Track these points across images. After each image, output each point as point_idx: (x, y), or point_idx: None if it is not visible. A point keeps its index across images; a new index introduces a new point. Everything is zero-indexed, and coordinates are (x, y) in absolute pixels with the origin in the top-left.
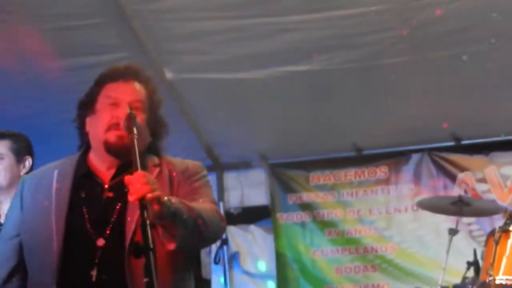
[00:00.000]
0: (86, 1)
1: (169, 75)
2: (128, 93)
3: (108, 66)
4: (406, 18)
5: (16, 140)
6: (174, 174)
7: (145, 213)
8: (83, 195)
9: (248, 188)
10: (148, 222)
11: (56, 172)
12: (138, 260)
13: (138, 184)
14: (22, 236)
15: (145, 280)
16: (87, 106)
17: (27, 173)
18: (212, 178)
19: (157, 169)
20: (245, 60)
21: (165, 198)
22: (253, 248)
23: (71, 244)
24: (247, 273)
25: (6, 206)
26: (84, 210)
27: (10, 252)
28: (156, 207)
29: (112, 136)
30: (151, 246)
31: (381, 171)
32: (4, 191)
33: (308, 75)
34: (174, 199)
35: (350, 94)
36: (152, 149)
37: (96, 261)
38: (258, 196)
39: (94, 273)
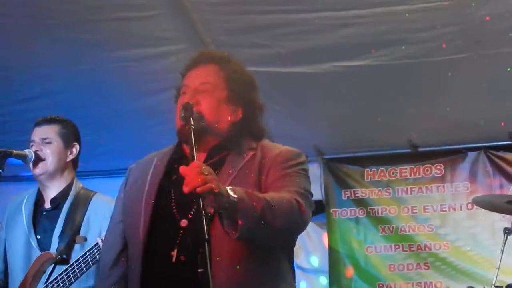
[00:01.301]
0: None
1: None
2: (195, 78)
3: (167, 58)
4: (466, 14)
5: (65, 126)
6: (266, 159)
7: (201, 204)
8: (174, 178)
9: None
10: (204, 212)
11: (155, 159)
12: (215, 244)
13: (191, 175)
14: (123, 220)
15: (200, 270)
16: (176, 96)
17: (73, 160)
18: None
19: (251, 153)
20: (303, 54)
21: (222, 188)
22: (306, 243)
23: (157, 225)
24: (299, 267)
25: (52, 192)
26: (172, 192)
27: (117, 237)
28: (210, 198)
29: (178, 125)
30: (206, 236)
31: (437, 169)
32: (51, 176)
33: (365, 70)
34: (236, 189)
35: (407, 90)
36: (251, 132)
37: (178, 241)
38: (312, 191)
39: (174, 253)
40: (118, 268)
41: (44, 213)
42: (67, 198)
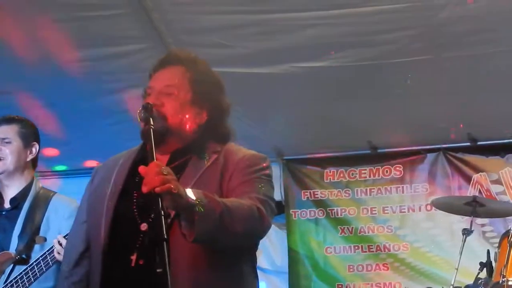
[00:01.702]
0: None
1: None
2: (160, 80)
3: (128, 58)
4: (425, 17)
5: (24, 126)
6: (229, 164)
7: (160, 204)
8: (137, 180)
9: None
10: (163, 212)
11: (121, 159)
12: (178, 249)
13: (150, 174)
14: (86, 221)
15: (158, 271)
16: (143, 97)
17: (33, 159)
18: None
19: (214, 156)
20: (263, 55)
21: (181, 189)
22: (266, 244)
23: (118, 228)
24: (259, 268)
25: (11, 191)
26: (135, 194)
27: (80, 237)
28: (168, 198)
29: (141, 125)
30: (165, 236)
31: (396, 170)
32: (10, 175)
33: (325, 71)
34: (196, 191)
35: (367, 92)
36: (216, 135)
37: (137, 245)
38: None
39: (133, 257)
40: (80, 268)
41: (3, 213)
42: (26, 198)
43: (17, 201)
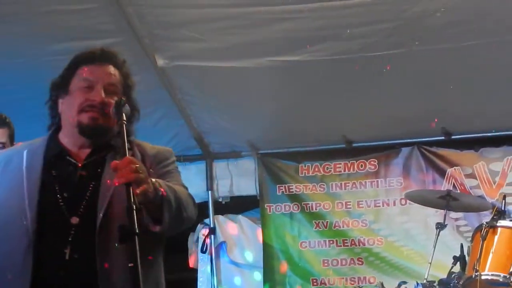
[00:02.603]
0: None
1: (160, 62)
2: (103, 76)
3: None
4: (401, 10)
5: (10, 127)
6: (146, 157)
7: (132, 198)
8: (54, 174)
9: (237, 178)
10: (134, 206)
11: (25, 152)
12: (109, 241)
13: (126, 169)
14: None
15: (130, 265)
16: (60, 87)
17: None
18: (201, 167)
19: (129, 152)
20: (238, 49)
21: (153, 182)
22: (241, 238)
23: (45, 222)
24: (234, 263)
25: None
26: (57, 188)
27: None
28: (142, 193)
29: (85, 118)
30: (137, 230)
31: (371, 164)
32: None
33: (300, 65)
34: (159, 182)
35: (342, 86)
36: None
37: (70, 239)
38: (247, 186)
39: (67, 251)
40: None
41: None
42: None
43: None
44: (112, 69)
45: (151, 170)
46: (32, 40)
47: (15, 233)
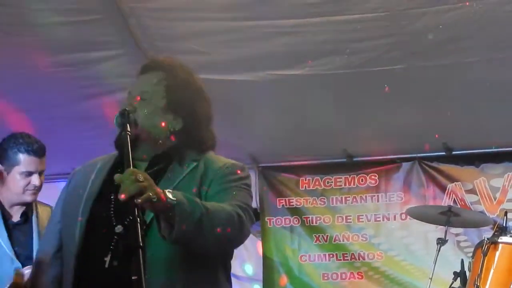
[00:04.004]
0: None
1: None
2: (137, 86)
3: (103, 63)
4: (402, 25)
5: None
6: (209, 171)
7: (136, 211)
8: (115, 183)
9: None
10: (139, 220)
11: (99, 163)
12: (154, 253)
13: (126, 182)
14: (61, 221)
15: (133, 278)
16: None
17: None
18: None
19: (194, 164)
20: (240, 62)
21: (159, 193)
22: (241, 251)
23: (94, 230)
24: (233, 275)
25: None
26: (112, 197)
27: (53, 237)
28: (148, 204)
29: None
30: (140, 244)
31: (371, 179)
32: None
33: (301, 79)
34: (176, 193)
35: (343, 100)
36: (194, 143)
37: (112, 247)
38: None
39: (107, 258)
40: (53, 268)
41: (15, 226)
42: (33, 212)
43: (27, 215)
44: (153, 75)
45: (212, 184)
46: (34, 51)
47: (68, 241)
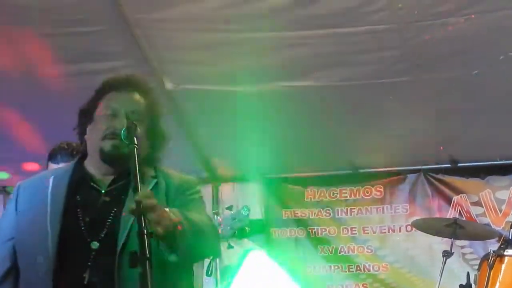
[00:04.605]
0: (89, 8)
1: (168, 85)
2: (127, 103)
3: (109, 74)
4: (408, 38)
5: None
6: (171, 186)
7: (143, 223)
8: (78, 199)
9: (244, 202)
10: (145, 231)
11: (51, 178)
12: (127, 266)
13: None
14: (16, 238)
15: None
16: (87, 114)
17: None
18: (207, 190)
19: (154, 180)
20: (246, 74)
21: (165, 212)
22: None
23: (66, 246)
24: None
25: None
26: (79, 213)
27: (4, 255)
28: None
29: (107, 145)
30: (148, 255)
31: (377, 190)
32: None
33: (307, 91)
34: (174, 211)
35: (349, 111)
36: (149, 160)
37: (90, 263)
38: (253, 210)
39: (86, 275)
40: (5, 287)
41: None
42: None
43: None
44: (137, 96)
45: (176, 199)
46: (40, 62)
47: (37, 258)
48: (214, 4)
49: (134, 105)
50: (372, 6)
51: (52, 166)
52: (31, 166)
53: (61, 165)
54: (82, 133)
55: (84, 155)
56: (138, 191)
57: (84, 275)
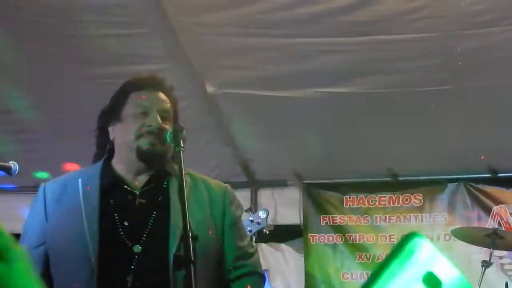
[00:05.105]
0: (132, 10)
1: (210, 88)
2: (157, 102)
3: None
4: (448, 46)
5: None
6: (214, 195)
7: (188, 226)
8: (112, 202)
9: (282, 206)
10: (190, 234)
11: (80, 180)
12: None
13: None
14: (48, 244)
15: None
16: (111, 114)
17: None
18: (246, 195)
19: (188, 180)
20: (286, 79)
21: None
22: (283, 267)
23: (107, 251)
24: None
25: None
26: (117, 217)
27: (36, 261)
28: None
29: (144, 143)
30: (192, 258)
31: (416, 198)
32: None
33: (347, 97)
34: None
35: (388, 119)
36: (176, 158)
37: (133, 267)
38: (291, 215)
39: (129, 279)
40: None
41: None
42: None
43: None
44: (162, 95)
45: (225, 210)
46: (81, 63)
47: (77, 263)
48: (255, 10)
49: (163, 104)
50: (414, 14)
51: None
52: (72, 166)
53: None
54: (103, 134)
55: (110, 156)
56: (185, 195)
57: (127, 279)
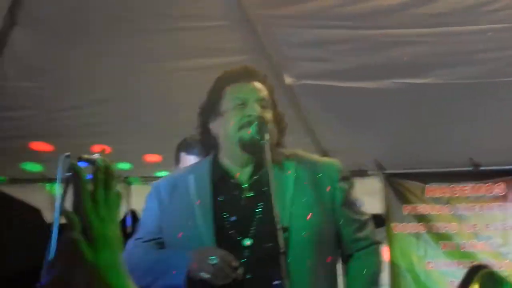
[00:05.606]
0: (210, 3)
1: (288, 80)
2: (253, 92)
3: (224, 69)
4: None
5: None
6: (322, 175)
7: (277, 217)
8: (222, 198)
9: (363, 196)
10: (279, 226)
11: (192, 177)
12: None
13: None
14: (163, 240)
15: (275, 283)
16: (210, 110)
17: None
18: None
19: (289, 171)
20: (364, 70)
21: None
22: None
23: (219, 246)
24: None
25: None
26: (225, 211)
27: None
28: None
29: (246, 134)
30: (282, 250)
31: (498, 188)
32: None
33: (426, 88)
34: None
35: (468, 109)
36: (279, 145)
37: (244, 260)
38: (372, 205)
39: (240, 272)
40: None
41: None
42: None
43: None
44: (258, 84)
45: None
46: (159, 57)
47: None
48: (333, 2)
49: (259, 93)
50: (492, 5)
51: (186, 157)
52: (153, 158)
53: (194, 156)
54: (206, 131)
55: (216, 151)
56: (272, 188)
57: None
